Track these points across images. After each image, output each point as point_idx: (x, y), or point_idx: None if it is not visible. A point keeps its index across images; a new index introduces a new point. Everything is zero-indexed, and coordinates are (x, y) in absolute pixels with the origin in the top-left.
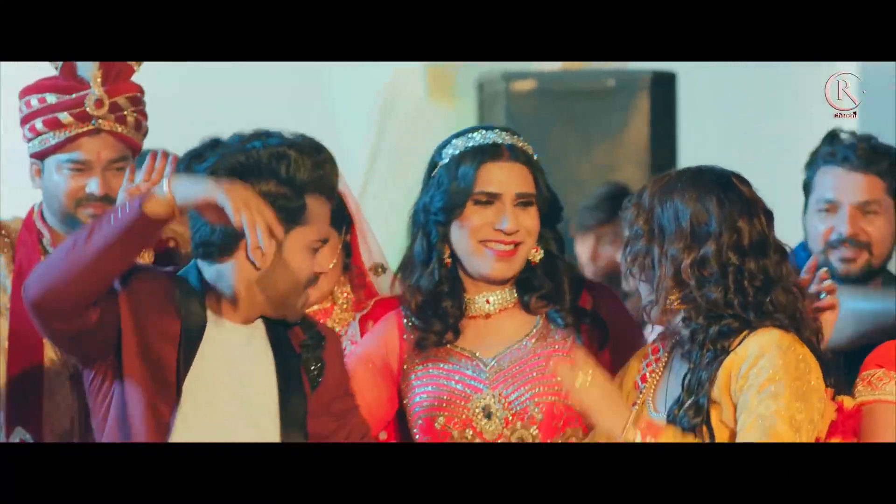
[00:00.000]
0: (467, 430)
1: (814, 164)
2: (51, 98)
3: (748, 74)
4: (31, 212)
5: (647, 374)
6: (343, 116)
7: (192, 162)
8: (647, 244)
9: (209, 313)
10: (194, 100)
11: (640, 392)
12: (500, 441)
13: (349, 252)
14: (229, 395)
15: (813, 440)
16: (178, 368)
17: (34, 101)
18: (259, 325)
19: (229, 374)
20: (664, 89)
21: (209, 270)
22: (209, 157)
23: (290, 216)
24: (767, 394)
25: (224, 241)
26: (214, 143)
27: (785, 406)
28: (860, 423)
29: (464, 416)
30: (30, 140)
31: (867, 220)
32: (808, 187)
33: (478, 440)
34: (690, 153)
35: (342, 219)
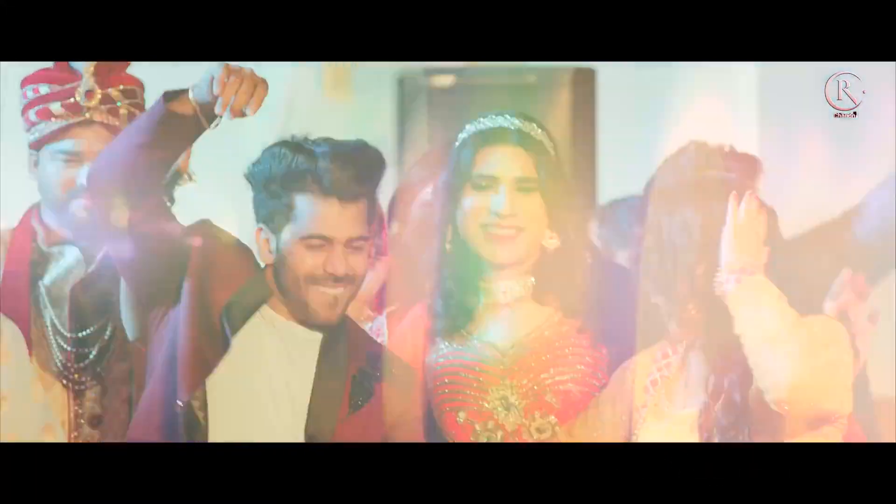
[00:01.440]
0: (489, 422)
1: None
2: (44, 88)
3: (667, 71)
4: (30, 212)
5: (658, 378)
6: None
7: None
8: (659, 259)
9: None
10: None
11: (651, 395)
12: (521, 432)
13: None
14: (264, 390)
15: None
16: (223, 316)
17: (29, 92)
18: (318, 335)
19: (270, 371)
20: (584, 85)
21: None
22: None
23: (279, 214)
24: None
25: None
26: None
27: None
28: None
29: (484, 409)
30: (27, 130)
31: None
32: None
33: (500, 432)
34: (610, 149)
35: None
